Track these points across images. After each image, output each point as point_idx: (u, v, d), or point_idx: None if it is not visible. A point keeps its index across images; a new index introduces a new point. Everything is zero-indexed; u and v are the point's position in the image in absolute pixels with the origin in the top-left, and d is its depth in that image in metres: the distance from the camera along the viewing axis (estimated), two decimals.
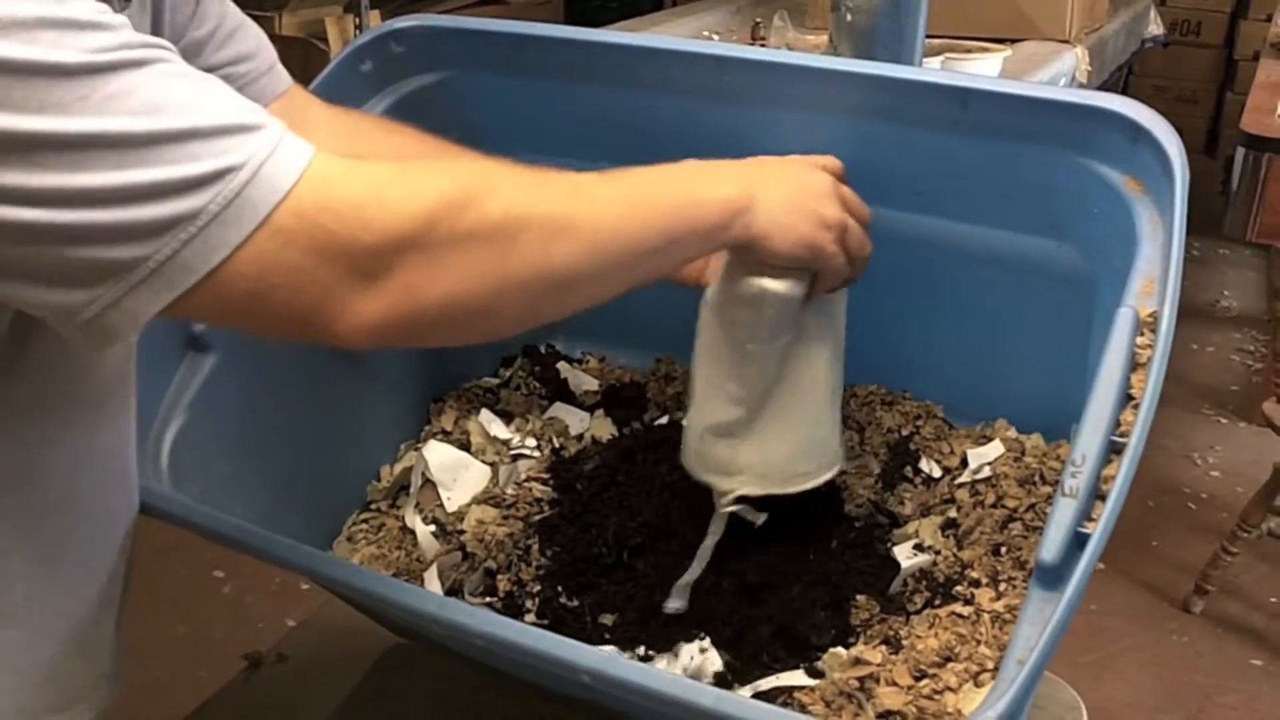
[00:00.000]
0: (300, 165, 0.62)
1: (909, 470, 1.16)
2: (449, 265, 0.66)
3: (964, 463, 1.14)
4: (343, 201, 0.63)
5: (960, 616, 0.93)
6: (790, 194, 0.85)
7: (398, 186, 0.65)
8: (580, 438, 1.24)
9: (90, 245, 0.59)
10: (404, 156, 0.97)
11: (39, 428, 0.74)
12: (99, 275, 0.60)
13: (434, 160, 0.73)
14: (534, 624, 1.00)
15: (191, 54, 0.85)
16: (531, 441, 1.22)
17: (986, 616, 0.92)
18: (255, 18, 0.93)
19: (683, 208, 0.79)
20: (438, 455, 1.17)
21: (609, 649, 0.98)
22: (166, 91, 0.60)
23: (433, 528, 1.13)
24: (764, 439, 0.99)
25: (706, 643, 0.98)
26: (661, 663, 0.98)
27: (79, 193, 0.58)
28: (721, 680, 0.95)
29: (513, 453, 1.20)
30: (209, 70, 0.85)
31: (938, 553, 1.03)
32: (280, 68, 0.95)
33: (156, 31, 0.80)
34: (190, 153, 0.60)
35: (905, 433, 1.19)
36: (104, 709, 0.86)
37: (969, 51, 2.49)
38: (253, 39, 0.91)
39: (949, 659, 0.89)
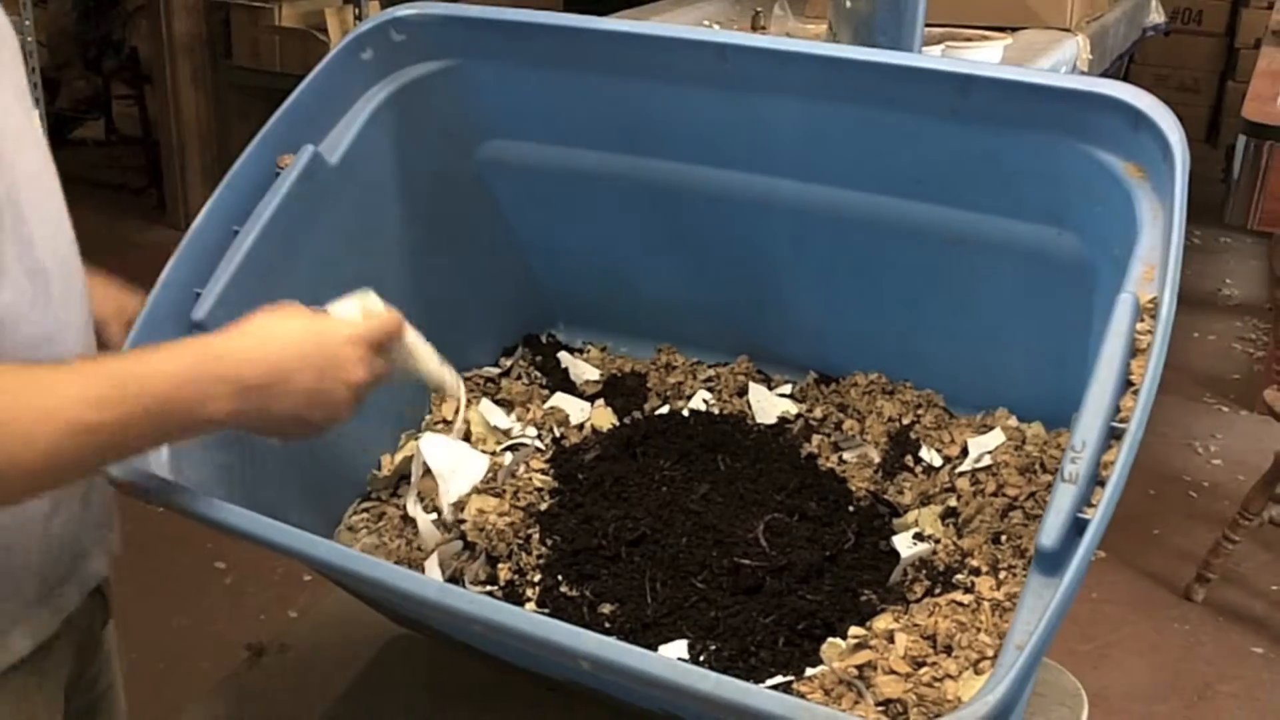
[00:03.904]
0: None
1: (909, 459, 1.16)
2: None
3: (964, 451, 1.14)
4: None
5: (960, 605, 0.93)
6: (298, 406, 0.84)
7: None
8: (581, 427, 1.24)
9: None
10: None
11: None
12: None
13: None
14: (534, 612, 1.00)
15: None
16: (532, 431, 1.22)
17: (987, 604, 0.92)
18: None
19: (168, 426, 0.80)
20: (438, 445, 1.17)
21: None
22: None
23: (433, 517, 1.13)
24: None
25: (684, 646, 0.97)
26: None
27: None
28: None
29: (513, 442, 1.20)
30: None
31: (938, 541, 1.03)
32: None
33: None
34: None
35: (906, 421, 1.19)
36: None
37: (969, 40, 2.48)
38: None
39: (949, 647, 0.89)
